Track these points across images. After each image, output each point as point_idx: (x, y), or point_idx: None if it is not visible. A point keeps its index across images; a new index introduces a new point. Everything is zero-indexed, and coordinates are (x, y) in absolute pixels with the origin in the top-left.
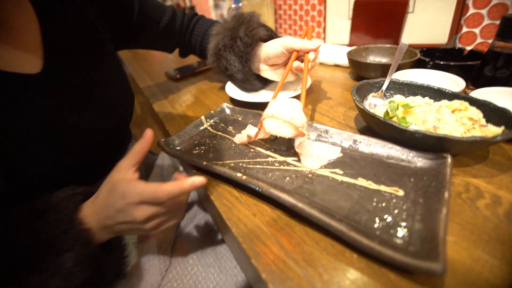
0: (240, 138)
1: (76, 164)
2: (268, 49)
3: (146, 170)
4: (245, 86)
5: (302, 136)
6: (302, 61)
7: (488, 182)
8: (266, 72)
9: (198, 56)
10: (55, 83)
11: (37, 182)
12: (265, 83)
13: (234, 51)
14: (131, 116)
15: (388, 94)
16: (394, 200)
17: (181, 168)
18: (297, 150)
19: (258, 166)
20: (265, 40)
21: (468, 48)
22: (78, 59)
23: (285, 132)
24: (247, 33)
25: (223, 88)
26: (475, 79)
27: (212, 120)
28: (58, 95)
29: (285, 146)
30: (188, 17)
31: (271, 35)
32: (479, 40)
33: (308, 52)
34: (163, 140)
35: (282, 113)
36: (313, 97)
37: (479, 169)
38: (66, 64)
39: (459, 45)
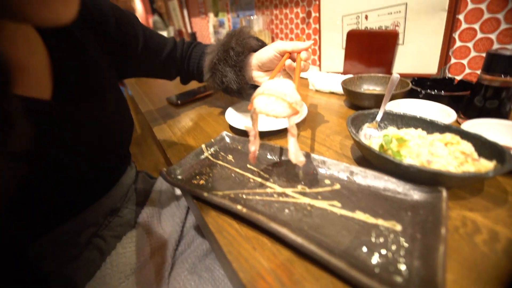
0: (252, 159)
1: (75, 183)
2: (261, 55)
3: (144, 195)
4: (241, 96)
5: (296, 114)
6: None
7: (484, 217)
8: (260, 78)
9: (197, 79)
10: (60, 110)
11: (34, 202)
12: None
13: (227, 62)
14: (130, 140)
15: (383, 124)
16: (392, 235)
17: (178, 192)
18: (291, 130)
19: (257, 197)
20: (256, 50)
21: (458, 77)
22: (82, 90)
23: (278, 109)
24: (238, 43)
25: (222, 113)
26: (466, 109)
27: (212, 149)
28: (61, 120)
29: (284, 177)
30: (187, 45)
31: (262, 45)
32: (467, 70)
33: (300, 52)
34: (165, 169)
35: (275, 90)
36: (310, 125)
37: (475, 203)
38: (71, 95)
39: (449, 75)
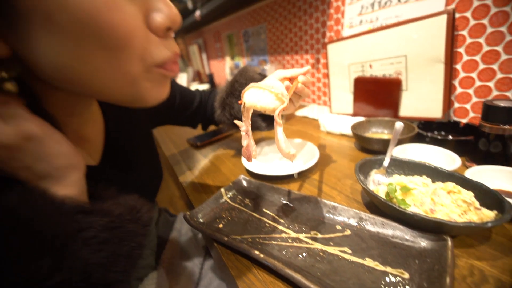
0: (245, 154)
1: None
2: (264, 82)
3: (165, 235)
4: (251, 126)
5: (282, 103)
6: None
7: (491, 266)
8: None
9: (213, 123)
10: (104, 174)
11: None
12: (269, 123)
13: (234, 95)
14: (157, 191)
15: (390, 170)
16: (401, 284)
17: (196, 232)
18: (277, 119)
19: (273, 242)
20: (259, 81)
21: (464, 120)
22: (128, 156)
23: (266, 101)
24: (243, 76)
25: (237, 155)
26: (472, 153)
27: (231, 193)
28: (103, 182)
29: (297, 221)
30: (206, 94)
31: (264, 77)
32: (471, 114)
33: (298, 76)
34: (188, 213)
35: (263, 84)
36: (321, 168)
37: (483, 251)
38: (118, 160)
39: (454, 118)
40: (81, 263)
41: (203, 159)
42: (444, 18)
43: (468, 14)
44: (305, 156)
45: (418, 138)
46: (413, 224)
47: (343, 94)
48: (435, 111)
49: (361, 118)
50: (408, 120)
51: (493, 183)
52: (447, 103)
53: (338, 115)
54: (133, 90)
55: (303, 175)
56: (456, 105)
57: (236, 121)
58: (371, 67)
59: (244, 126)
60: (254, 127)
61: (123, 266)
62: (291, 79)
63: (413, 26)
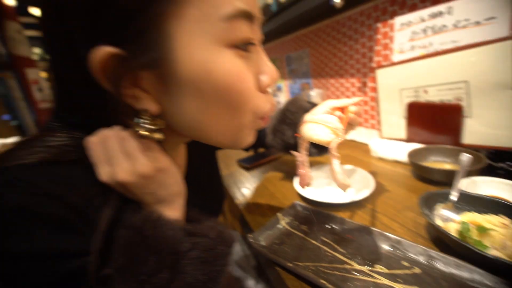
0: (302, 180)
1: None
2: (315, 111)
3: None
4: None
5: (337, 136)
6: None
7: None
8: None
9: (264, 146)
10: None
11: None
12: (320, 150)
13: (285, 122)
14: (220, 213)
15: (459, 205)
16: None
17: (250, 256)
18: (333, 152)
19: (337, 272)
20: (309, 110)
21: None
22: (201, 174)
23: (322, 134)
24: (293, 105)
25: (287, 178)
26: None
27: (287, 218)
28: None
29: (360, 253)
30: None
31: (314, 106)
32: None
33: (349, 106)
34: (251, 235)
35: (319, 119)
36: (377, 197)
37: None
38: (194, 180)
39: None
40: (189, 279)
41: (254, 181)
42: (510, 43)
43: None
44: (358, 184)
45: (488, 170)
46: (494, 269)
47: (394, 118)
48: (506, 140)
49: (416, 145)
50: (473, 149)
51: None
52: None
53: (389, 140)
54: (237, 137)
55: (357, 203)
56: None
57: (293, 152)
58: (426, 92)
59: (301, 156)
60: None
61: (214, 283)
62: (341, 109)
63: (475, 52)
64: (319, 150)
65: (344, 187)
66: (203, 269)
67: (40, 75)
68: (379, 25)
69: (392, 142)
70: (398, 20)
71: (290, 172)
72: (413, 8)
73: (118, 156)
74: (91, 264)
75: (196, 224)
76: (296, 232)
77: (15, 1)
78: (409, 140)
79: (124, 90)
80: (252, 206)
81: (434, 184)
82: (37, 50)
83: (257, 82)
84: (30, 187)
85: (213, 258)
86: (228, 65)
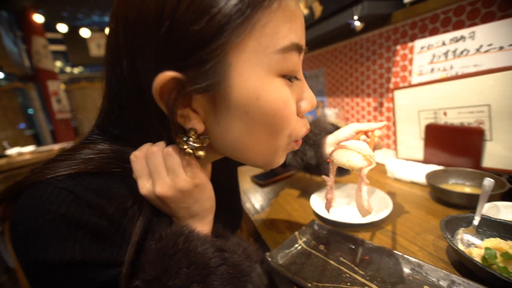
0: (328, 204)
1: None
2: (339, 133)
3: None
4: (319, 172)
5: (371, 164)
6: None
7: None
8: None
9: (283, 165)
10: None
11: None
12: (341, 171)
13: (307, 142)
14: (238, 229)
15: (481, 230)
16: None
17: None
18: (364, 178)
19: None
20: (331, 132)
21: None
22: (222, 190)
23: (355, 161)
24: (316, 126)
25: (303, 196)
26: None
27: (304, 237)
28: None
29: (380, 276)
30: None
31: (336, 127)
32: None
33: (373, 131)
34: (268, 253)
35: (351, 145)
36: (396, 219)
37: None
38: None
39: None
40: None
41: (269, 197)
42: None
43: None
44: (376, 205)
45: (510, 195)
46: None
47: (411, 139)
48: None
49: (433, 166)
50: (493, 172)
51: None
52: None
53: (406, 161)
54: (272, 158)
55: (375, 224)
56: None
57: (324, 177)
58: (445, 114)
59: (330, 181)
60: (326, 173)
61: None
62: (365, 132)
63: (498, 76)
64: (339, 171)
65: (366, 213)
66: (230, 284)
67: (60, 87)
68: (398, 47)
69: (409, 163)
70: (418, 43)
71: (304, 189)
72: (434, 32)
73: (161, 171)
74: (123, 275)
75: (225, 240)
76: (314, 252)
77: (43, 18)
78: (426, 161)
79: (177, 110)
80: (268, 223)
81: (453, 207)
82: (58, 64)
83: (297, 107)
84: (73, 197)
85: (240, 274)
86: (276, 93)
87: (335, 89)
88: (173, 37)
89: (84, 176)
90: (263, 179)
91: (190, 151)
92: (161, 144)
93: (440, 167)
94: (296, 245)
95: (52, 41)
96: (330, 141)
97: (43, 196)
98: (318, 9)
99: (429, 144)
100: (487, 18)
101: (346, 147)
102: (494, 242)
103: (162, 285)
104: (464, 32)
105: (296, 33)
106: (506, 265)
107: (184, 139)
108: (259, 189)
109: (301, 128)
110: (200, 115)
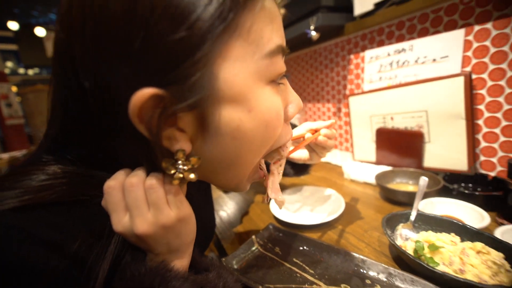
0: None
1: None
2: (295, 132)
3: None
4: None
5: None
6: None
7: None
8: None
9: None
10: None
11: None
12: (297, 170)
13: None
14: (210, 241)
15: (417, 224)
16: None
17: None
18: (272, 167)
19: None
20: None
21: (492, 173)
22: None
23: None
24: None
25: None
26: (502, 209)
27: (261, 240)
28: None
29: (327, 274)
30: None
31: (294, 126)
32: (499, 168)
33: (321, 129)
34: (224, 259)
35: None
36: (347, 218)
37: None
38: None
39: (481, 171)
40: None
41: (233, 204)
42: (461, 79)
43: (485, 76)
44: (331, 206)
45: (444, 191)
46: (443, 283)
47: (365, 143)
48: (460, 164)
49: (384, 167)
50: (433, 172)
51: None
52: (472, 156)
53: (361, 163)
54: (255, 172)
55: (328, 225)
56: (482, 158)
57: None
58: (392, 119)
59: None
60: (284, 174)
61: None
62: (316, 130)
63: (432, 85)
64: (296, 171)
65: (280, 204)
66: None
67: (11, 90)
68: (352, 56)
69: (363, 165)
70: (368, 53)
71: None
72: (380, 43)
73: (142, 206)
74: None
75: (205, 275)
76: (269, 254)
77: None
78: (378, 163)
79: (162, 132)
80: (229, 228)
81: (399, 205)
82: (9, 64)
83: (285, 113)
84: (27, 237)
85: None
86: (268, 103)
87: (298, 94)
88: (149, 50)
89: (37, 208)
90: None
91: (180, 175)
92: (140, 173)
93: (390, 168)
94: (253, 249)
95: (2, 40)
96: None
97: None
98: None
99: (380, 147)
100: (423, 33)
101: None
102: (425, 235)
103: None
104: (405, 44)
105: (278, 34)
106: (432, 255)
107: (172, 162)
108: (221, 194)
109: (286, 135)
110: (187, 133)
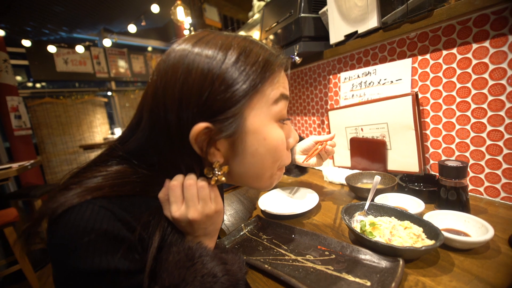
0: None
1: None
2: (303, 144)
3: None
4: (289, 174)
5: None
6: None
7: (432, 280)
8: (301, 159)
9: None
10: None
11: None
12: (303, 171)
13: None
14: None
15: (370, 212)
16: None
17: None
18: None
19: (278, 261)
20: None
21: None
22: None
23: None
24: None
25: (256, 199)
26: (437, 200)
27: (249, 228)
28: None
29: (297, 248)
30: None
31: (301, 138)
32: None
33: (327, 140)
34: (217, 240)
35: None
36: (322, 212)
37: (429, 271)
38: None
39: (431, 172)
40: None
41: (227, 202)
42: (410, 98)
43: (428, 95)
44: (308, 202)
45: (400, 188)
46: (378, 250)
47: (342, 150)
48: (413, 167)
49: (357, 171)
50: (394, 173)
51: (444, 223)
52: (421, 160)
53: (339, 168)
54: (271, 180)
55: (304, 216)
56: (432, 161)
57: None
58: (362, 130)
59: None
60: (292, 174)
61: None
62: (322, 142)
63: (390, 102)
64: (300, 172)
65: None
66: None
67: (22, 102)
68: (331, 77)
69: (340, 169)
70: (343, 75)
71: (258, 192)
72: (352, 67)
73: (195, 200)
74: (144, 281)
75: (226, 254)
76: (254, 237)
77: (4, 32)
78: (353, 167)
79: (209, 150)
80: (224, 223)
81: (364, 200)
82: (18, 78)
83: (286, 143)
84: (111, 215)
85: (236, 282)
86: (276, 134)
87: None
88: (210, 101)
89: (120, 198)
90: (225, 186)
91: (216, 178)
92: (193, 176)
93: (358, 171)
94: (242, 233)
95: (15, 56)
96: (297, 149)
97: (86, 214)
98: (269, 44)
99: (353, 154)
100: (383, 60)
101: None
102: (371, 218)
103: None
104: (370, 69)
105: (283, 86)
106: (372, 230)
107: (211, 170)
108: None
109: (287, 158)
110: (221, 151)
